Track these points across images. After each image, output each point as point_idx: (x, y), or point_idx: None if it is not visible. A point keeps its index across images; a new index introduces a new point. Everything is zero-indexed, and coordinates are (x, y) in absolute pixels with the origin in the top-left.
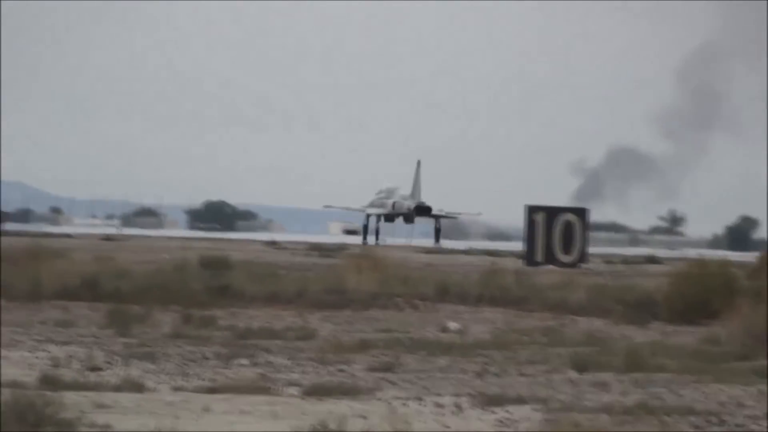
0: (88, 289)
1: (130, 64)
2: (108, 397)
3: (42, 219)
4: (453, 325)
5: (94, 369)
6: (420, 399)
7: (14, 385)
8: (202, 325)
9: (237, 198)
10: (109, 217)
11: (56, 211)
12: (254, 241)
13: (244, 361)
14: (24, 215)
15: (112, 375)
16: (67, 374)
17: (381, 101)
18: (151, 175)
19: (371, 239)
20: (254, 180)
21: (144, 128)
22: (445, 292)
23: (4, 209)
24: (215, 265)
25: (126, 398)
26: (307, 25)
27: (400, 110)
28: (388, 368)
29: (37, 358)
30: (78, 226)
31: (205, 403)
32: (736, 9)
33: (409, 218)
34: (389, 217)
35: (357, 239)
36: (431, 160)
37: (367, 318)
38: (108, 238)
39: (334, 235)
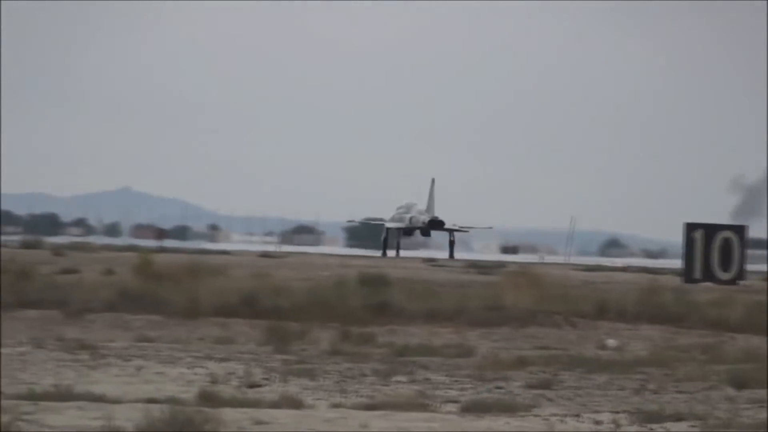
0: (247, 306)
1: (310, 91)
2: (266, 413)
3: (200, 236)
4: (611, 342)
5: (253, 385)
6: (578, 416)
7: (173, 401)
8: (361, 341)
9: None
10: (268, 233)
11: (214, 227)
12: (412, 259)
13: (403, 378)
14: (182, 232)
15: (270, 391)
16: (225, 391)
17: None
18: (309, 192)
19: (391, 252)
20: (412, 197)
21: (302, 146)
22: (604, 309)
23: (163, 226)
24: (374, 282)
25: (284, 415)
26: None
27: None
28: (546, 385)
29: (195, 374)
30: (236, 242)
31: (363, 420)
32: None
33: (424, 231)
34: (407, 231)
35: (515, 257)
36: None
37: (526, 335)
38: (266, 254)
39: (491, 253)
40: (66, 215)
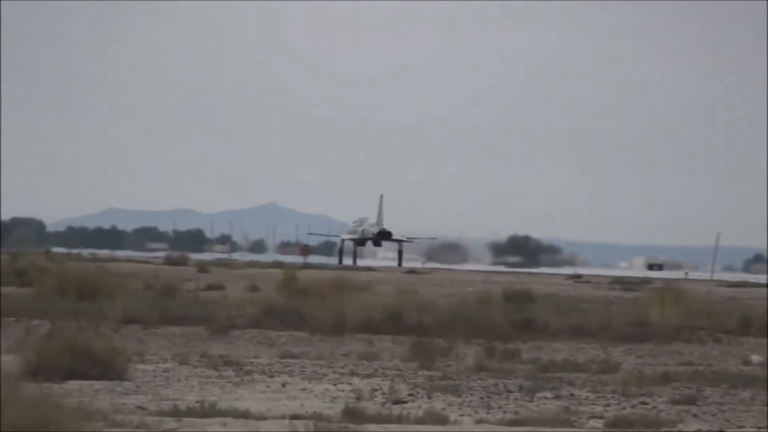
0: (392, 322)
1: (449, 111)
2: (411, 429)
3: (346, 253)
4: (756, 358)
5: (398, 402)
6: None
7: (317, 417)
8: (506, 358)
9: (541, 232)
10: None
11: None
12: (557, 275)
13: (548, 394)
14: (328, 248)
15: (415, 407)
16: (370, 407)
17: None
18: (453, 209)
19: (347, 260)
20: (559, 214)
21: (443, 164)
22: (748, 325)
23: (308, 242)
24: (519, 298)
25: (429, 431)
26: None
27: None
28: (690, 401)
29: (340, 390)
30: (381, 259)
31: None
32: None
33: (375, 242)
34: (360, 242)
35: (661, 273)
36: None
37: (670, 351)
38: (411, 271)
39: (637, 269)
40: (212, 231)
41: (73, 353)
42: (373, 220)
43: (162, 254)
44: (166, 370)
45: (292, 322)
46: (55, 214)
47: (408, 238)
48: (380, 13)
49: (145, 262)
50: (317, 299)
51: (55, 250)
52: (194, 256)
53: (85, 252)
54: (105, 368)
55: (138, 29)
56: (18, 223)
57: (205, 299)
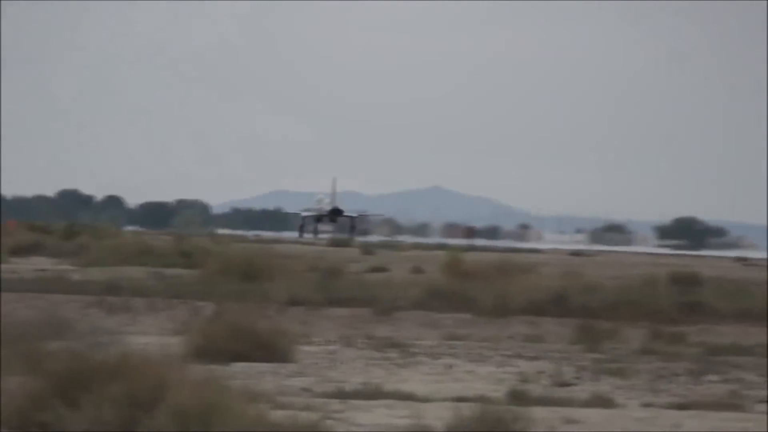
0: (556, 305)
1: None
2: (577, 412)
3: (510, 235)
4: None
5: (563, 384)
6: None
7: (482, 399)
8: (672, 341)
9: (708, 214)
10: (578, 232)
11: (524, 227)
12: (723, 258)
13: (715, 378)
14: (493, 231)
15: (580, 390)
16: (535, 389)
17: None
18: (620, 191)
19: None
20: (726, 195)
21: (609, 146)
22: None
23: (473, 225)
24: (685, 281)
25: (595, 414)
26: None
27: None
28: None
29: (505, 372)
30: (546, 242)
31: (675, 419)
32: None
33: (331, 218)
34: (318, 218)
35: None
36: None
37: None
38: (576, 253)
39: None
40: (375, 213)
41: (238, 335)
42: (328, 199)
43: (327, 236)
44: (330, 352)
45: (456, 304)
46: (220, 196)
47: (359, 213)
48: None
49: (310, 243)
50: (481, 281)
51: (220, 231)
52: (359, 239)
53: (250, 234)
54: (270, 350)
55: None
56: (184, 205)
57: (369, 281)
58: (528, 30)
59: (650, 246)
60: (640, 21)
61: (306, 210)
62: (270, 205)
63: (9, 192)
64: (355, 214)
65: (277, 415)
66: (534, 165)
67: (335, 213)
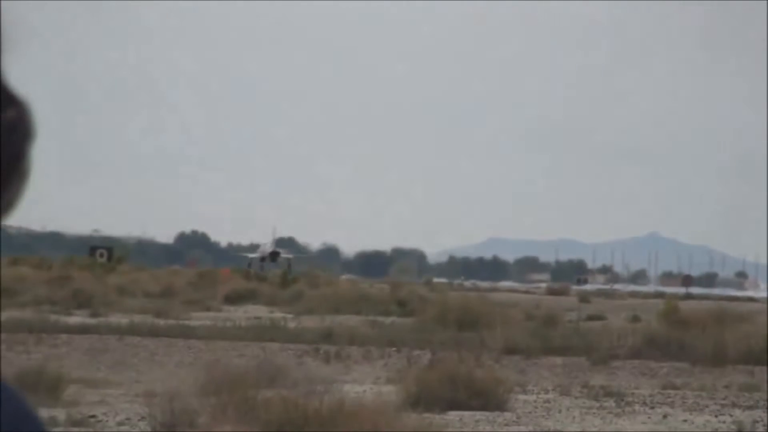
0: None
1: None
2: None
3: (728, 283)
4: None
5: None
6: None
7: None
8: None
9: None
10: None
11: (741, 274)
12: None
13: None
14: (710, 279)
15: None
16: None
17: None
18: None
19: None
20: None
21: None
22: None
23: (690, 273)
24: None
25: None
26: None
27: None
28: None
29: (721, 422)
30: (762, 290)
31: None
32: None
33: (271, 259)
34: (262, 259)
35: None
36: None
37: None
38: None
39: None
40: (593, 261)
41: (454, 383)
42: (269, 244)
43: (543, 284)
44: (547, 401)
45: (673, 352)
46: (436, 245)
47: (290, 256)
48: None
49: (526, 292)
50: (698, 330)
51: (436, 280)
52: (575, 287)
53: (467, 282)
54: (486, 398)
55: None
56: (400, 254)
57: (586, 329)
58: None
59: None
60: None
61: (253, 253)
62: (487, 254)
63: (223, 239)
64: (291, 256)
65: None
66: (747, 211)
67: (274, 255)
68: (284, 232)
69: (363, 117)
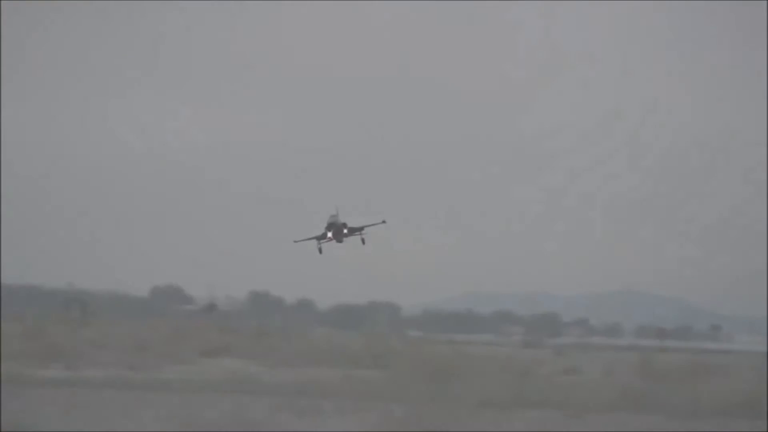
0: (749, 407)
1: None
2: None
3: (702, 336)
4: None
5: None
6: None
7: None
8: None
9: None
10: None
11: (715, 327)
12: None
13: None
14: (684, 332)
15: None
16: None
17: None
18: None
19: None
20: None
21: None
22: None
23: (664, 326)
24: None
25: None
26: None
27: None
28: None
29: None
30: (736, 343)
31: None
32: None
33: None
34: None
35: None
36: None
37: None
38: None
39: None
40: (567, 315)
41: None
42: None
43: (518, 338)
44: None
45: (648, 405)
46: (411, 298)
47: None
48: None
49: (501, 345)
50: (673, 383)
51: (411, 333)
52: (550, 340)
53: (442, 336)
54: None
55: None
56: (375, 307)
57: (560, 383)
58: None
59: None
60: None
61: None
62: (461, 308)
63: (200, 294)
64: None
65: None
66: (720, 261)
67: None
68: (259, 287)
69: (340, 168)
